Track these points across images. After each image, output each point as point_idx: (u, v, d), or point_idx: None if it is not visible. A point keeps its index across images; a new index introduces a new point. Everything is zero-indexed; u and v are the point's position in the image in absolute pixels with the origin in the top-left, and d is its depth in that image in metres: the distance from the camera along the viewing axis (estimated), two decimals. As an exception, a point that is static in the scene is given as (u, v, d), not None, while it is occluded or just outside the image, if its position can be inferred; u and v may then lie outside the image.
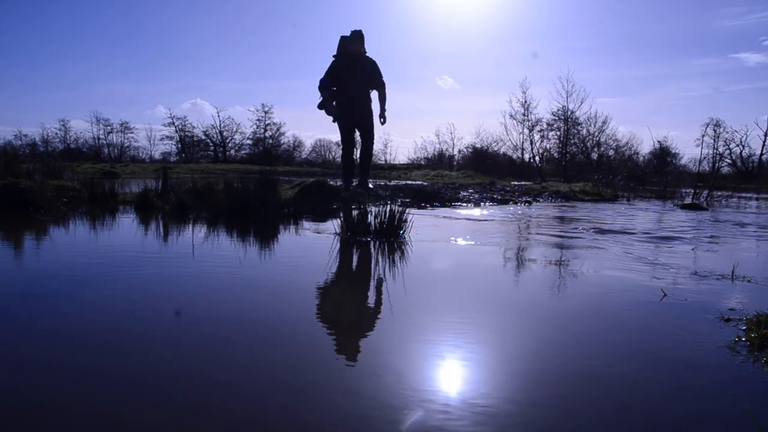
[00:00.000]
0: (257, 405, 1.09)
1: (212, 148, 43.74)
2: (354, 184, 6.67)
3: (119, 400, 1.10)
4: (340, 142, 7.19)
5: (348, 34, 6.61)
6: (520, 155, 27.85)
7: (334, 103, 6.57)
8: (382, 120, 6.58)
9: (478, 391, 1.18)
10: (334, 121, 6.65)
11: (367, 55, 6.62)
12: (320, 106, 6.55)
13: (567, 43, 64.77)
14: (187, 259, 2.66)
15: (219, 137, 43.32)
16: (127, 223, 4.15)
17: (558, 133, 27.12)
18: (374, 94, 6.75)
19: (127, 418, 1.03)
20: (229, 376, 1.22)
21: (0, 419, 1.02)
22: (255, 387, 1.17)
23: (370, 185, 6.77)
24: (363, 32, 6.54)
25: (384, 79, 6.75)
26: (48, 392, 1.13)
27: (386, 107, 6.65)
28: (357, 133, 6.84)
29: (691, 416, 1.09)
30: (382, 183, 9.52)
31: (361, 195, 5.65)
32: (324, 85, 6.46)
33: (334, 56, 6.55)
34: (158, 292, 2.03)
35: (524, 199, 8.09)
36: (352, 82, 6.38)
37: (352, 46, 6.43)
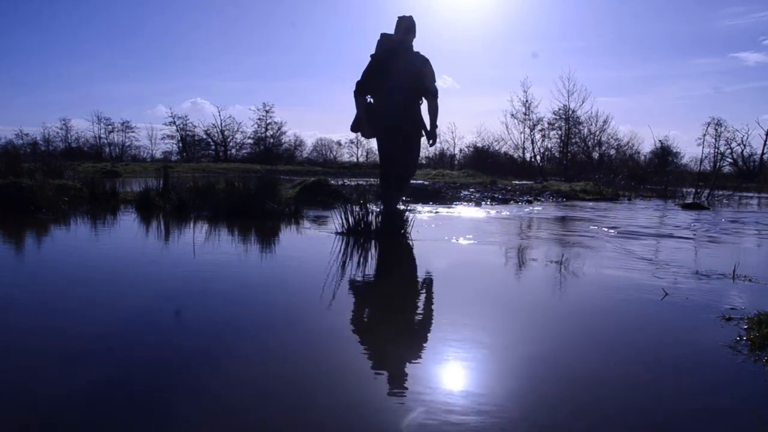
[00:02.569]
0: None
1: (213, 147, 43.80)
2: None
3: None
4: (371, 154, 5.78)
5: (387, 33, 5.00)
6: (521, 154, 27.85)
7: (368, 110, 4.93)
8: (430, 141, 4.93)
9: (472, 388, 1.18)
10: (370, 136, 5.07)
11: (417, 51, 4.93)
12: (353, 128, 5.04)
13: (567, 43, 64.64)
14: (190, 258, 2.67)
15: (220, 136, 43.39)
16: (128, 223, 4.15)
17: (559, 132, 27.12)
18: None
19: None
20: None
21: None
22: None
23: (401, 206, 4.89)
24: (414, 20, 4.83)
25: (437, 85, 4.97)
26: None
27: (437, 123, 4.98)
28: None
29: (692, 415, 1.09)
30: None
31: (363, 193, 5.23)
32: (357, 91, 4.92)
33: (372, 55, 5.02)
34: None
35: (525, 198, 8.09)
36: (395, 86, 4.78)
37: (397, 36, 4.84)
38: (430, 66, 4.89)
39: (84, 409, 1.06)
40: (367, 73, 4.89)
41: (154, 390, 1.14)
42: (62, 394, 1.12)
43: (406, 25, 4.81)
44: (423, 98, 4.96)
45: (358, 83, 4.90)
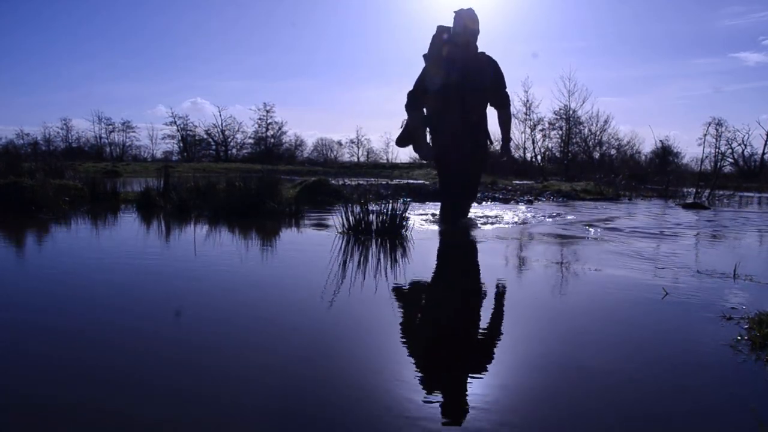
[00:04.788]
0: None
1: (214, 147, 43.88)
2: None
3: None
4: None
5: (444, 25, 4.12)
6: (521, 154, 27.88)
7: (424, 131, 4.20)
8: (505, 157, 4.40)
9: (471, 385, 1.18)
10: (431, 157, 4.31)
11: (483, 51, 4.08)
12: (400, 142, 4.27)
13: (567, 43, 64.73)
14: (190, 258, 2.67)
15: (221, 136, 43.46)
16: (129, 222, 4.16)
17: (560, 132, 27.16)
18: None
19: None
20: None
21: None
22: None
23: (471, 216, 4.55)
24: (475, 13, 4.00)
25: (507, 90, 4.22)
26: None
27: (510, 135, 4.30)
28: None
29: (692, 414, 1.09)
30: (384, 182, 9.52)
31: (363, 193, 5.13)
32: (410, 104, 4.11)
33: (425, 55, 4.13)
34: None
35: (526, 198, 8.09)
36: (458, 95, 3.94)
37: (457, 35, 3.93)
38: (500, 69, 4.08)
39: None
40: (421, 81, 4.10)
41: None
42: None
43: (468, 22, 3.91)
44: (492, 106, 4.18)
45: (411, 94, 4.11)
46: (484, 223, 4.45)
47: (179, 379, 1.20)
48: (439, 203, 5.09)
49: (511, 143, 4.42)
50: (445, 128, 4.02)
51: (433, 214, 4.94)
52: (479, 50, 4.10)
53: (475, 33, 3.99)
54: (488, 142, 4.25)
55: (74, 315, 1.71)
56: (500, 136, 4.38)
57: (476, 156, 4.13)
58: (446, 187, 4.24)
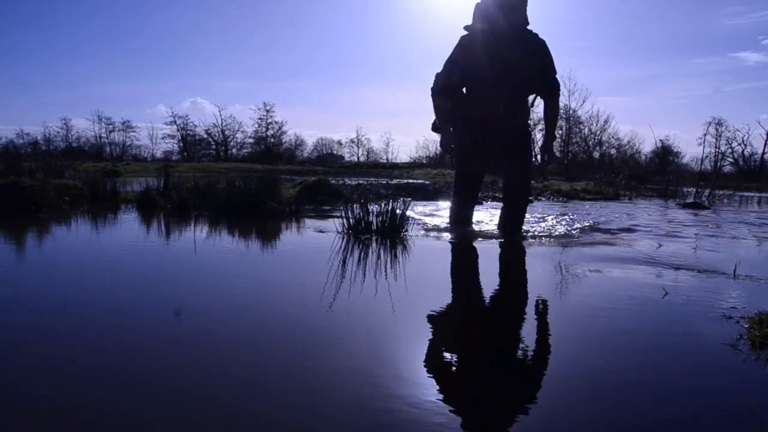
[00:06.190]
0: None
1: (214, 146, 43.93)
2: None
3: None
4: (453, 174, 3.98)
5: None
6: (521, 154, 27.85)
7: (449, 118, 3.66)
8: (546, 156, 3.71)
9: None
10: (449, 155, 3.81)
11: (530, 29, 3.50)
12: (435, 128, 3.82)
13: (567, 43, 64.81)
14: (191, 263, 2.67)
15: (221, 136, 43.50)
16: (129, 222, 4.16)
17: (560, 131, 27.15)
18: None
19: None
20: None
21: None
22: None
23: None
24: None
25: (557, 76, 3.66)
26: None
27: (556, 132, 3.73)
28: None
29: (691, 414, 1.09)
30: (384, 182, 9.52)
31: (363, 193, 4.65)
32: (437, 88, 3.57)
33: (463, 37, 3.52)
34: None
35: (526, 197, 8.09)
36: (495, 79, 3.39)
37: (504, 13, 3.31)
38: (548, 52, 3.49)
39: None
40: (452, 63, 3.45)
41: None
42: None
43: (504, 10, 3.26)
44: (537, 97, 3.66)
45: (440, 77, 3.52)
46: (484, 222, 4.45)
47: (179, 379, 1.20)
48: (439, 202, 5.08)
49: None
50: (466, 126, 3.63)
51: (433, 214, 4.94)
52: (528, 27, 3.48)
53: (523, 10, 3.40)
54: (528, 141, 3.74)
55: (74, 314, 1.70)
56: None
57: (517, 144, 3.61)
58: (459, 187, 3.82)
